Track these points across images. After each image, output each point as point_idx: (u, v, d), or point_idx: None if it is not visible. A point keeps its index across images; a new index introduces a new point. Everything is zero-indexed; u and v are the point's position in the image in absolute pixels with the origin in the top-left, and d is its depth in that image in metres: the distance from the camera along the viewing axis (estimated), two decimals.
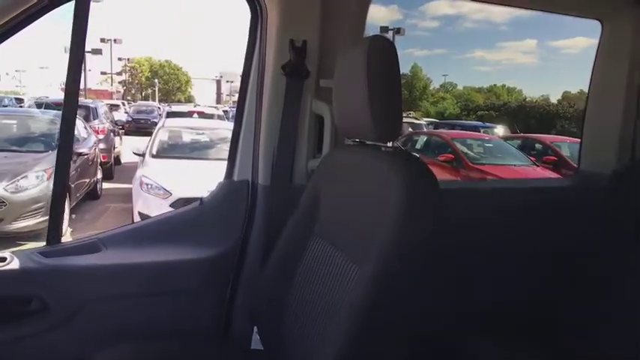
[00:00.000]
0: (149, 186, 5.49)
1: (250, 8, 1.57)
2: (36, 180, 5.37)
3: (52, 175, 5.59)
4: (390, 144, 1.13)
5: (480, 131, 13.30)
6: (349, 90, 1.14)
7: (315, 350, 1.08)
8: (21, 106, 14.16)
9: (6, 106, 13.70)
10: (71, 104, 1.41)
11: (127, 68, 57.57)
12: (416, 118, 18.86)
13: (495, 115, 24.54)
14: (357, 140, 1.24)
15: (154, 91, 52.74)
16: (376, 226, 0.99)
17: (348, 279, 1.07)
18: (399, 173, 1.00)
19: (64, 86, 1.40)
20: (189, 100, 55.99)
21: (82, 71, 1.44)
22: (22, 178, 5.30)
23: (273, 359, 1.29)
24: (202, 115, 11.58)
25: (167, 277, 1.50)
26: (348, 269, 1.08)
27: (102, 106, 11.20)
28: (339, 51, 1.33)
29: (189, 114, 11.08)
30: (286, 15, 1.50)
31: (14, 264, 1.35)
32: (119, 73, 56.53)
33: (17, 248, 1.34)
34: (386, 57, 1.08)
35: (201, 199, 1.61)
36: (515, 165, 8.77)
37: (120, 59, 54.84)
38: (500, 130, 15.09)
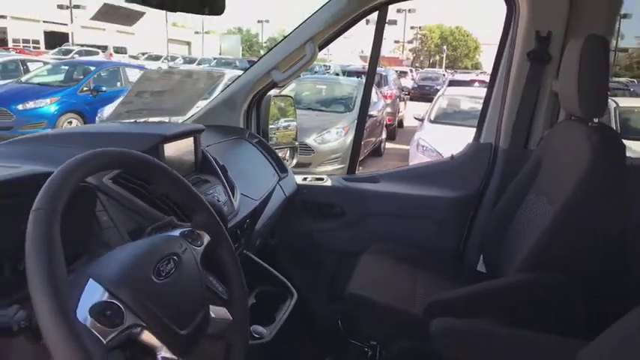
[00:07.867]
0: (424, 148, 6.14)
1: (507, 5, 1.94)
2: (336, 135, 6.62)
3: (348, 131, 6.77)
4: (595, 120, 1.41)
5: None
6: (566, 74, 1.46)
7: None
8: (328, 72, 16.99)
9: (316, 72, 16.42)
10: (371, 74, 2.14)
11: (418, 36, 59.86)
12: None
13: None
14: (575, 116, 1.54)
15: (442, 57, 53.70)
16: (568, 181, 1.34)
17: (545, 217, 1.44)
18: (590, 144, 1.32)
19: (361, 54, 2.11)
20: (477, 67, 54.97)
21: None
22: (326, 132, 6.60)
23: (491, 278, 1.72)
24: (484, 83, 11.70)
25: (422, 207, 2.07)
26: (547, 211, 1.45)
27: (392, 74, 12.42)
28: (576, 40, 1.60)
29: (470, 82, 11.35)
30: (536, 8, 1.82)
31: (328, 182, 2.15)
32: (410, 41, 59.36)
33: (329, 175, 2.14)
34: (596, 55, 1.37)
35: (452, 155, 2.11)
36: None
37: (412, 27, 57.46)
38: None
